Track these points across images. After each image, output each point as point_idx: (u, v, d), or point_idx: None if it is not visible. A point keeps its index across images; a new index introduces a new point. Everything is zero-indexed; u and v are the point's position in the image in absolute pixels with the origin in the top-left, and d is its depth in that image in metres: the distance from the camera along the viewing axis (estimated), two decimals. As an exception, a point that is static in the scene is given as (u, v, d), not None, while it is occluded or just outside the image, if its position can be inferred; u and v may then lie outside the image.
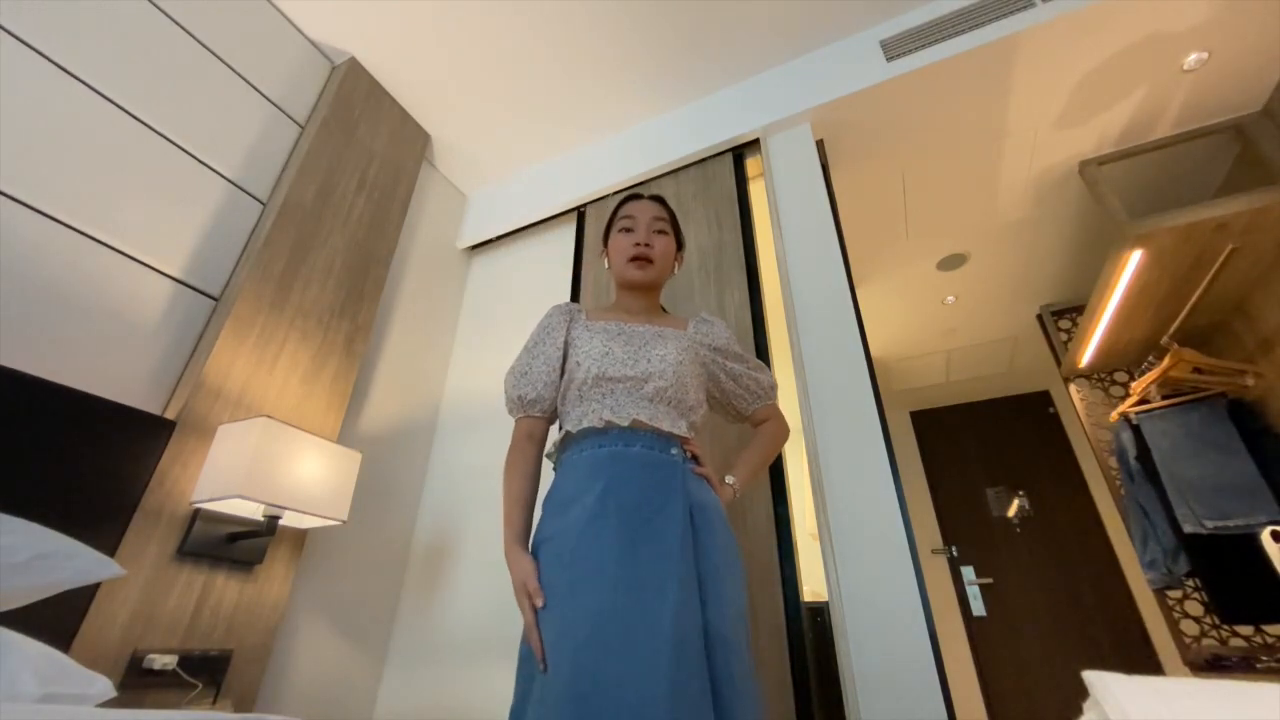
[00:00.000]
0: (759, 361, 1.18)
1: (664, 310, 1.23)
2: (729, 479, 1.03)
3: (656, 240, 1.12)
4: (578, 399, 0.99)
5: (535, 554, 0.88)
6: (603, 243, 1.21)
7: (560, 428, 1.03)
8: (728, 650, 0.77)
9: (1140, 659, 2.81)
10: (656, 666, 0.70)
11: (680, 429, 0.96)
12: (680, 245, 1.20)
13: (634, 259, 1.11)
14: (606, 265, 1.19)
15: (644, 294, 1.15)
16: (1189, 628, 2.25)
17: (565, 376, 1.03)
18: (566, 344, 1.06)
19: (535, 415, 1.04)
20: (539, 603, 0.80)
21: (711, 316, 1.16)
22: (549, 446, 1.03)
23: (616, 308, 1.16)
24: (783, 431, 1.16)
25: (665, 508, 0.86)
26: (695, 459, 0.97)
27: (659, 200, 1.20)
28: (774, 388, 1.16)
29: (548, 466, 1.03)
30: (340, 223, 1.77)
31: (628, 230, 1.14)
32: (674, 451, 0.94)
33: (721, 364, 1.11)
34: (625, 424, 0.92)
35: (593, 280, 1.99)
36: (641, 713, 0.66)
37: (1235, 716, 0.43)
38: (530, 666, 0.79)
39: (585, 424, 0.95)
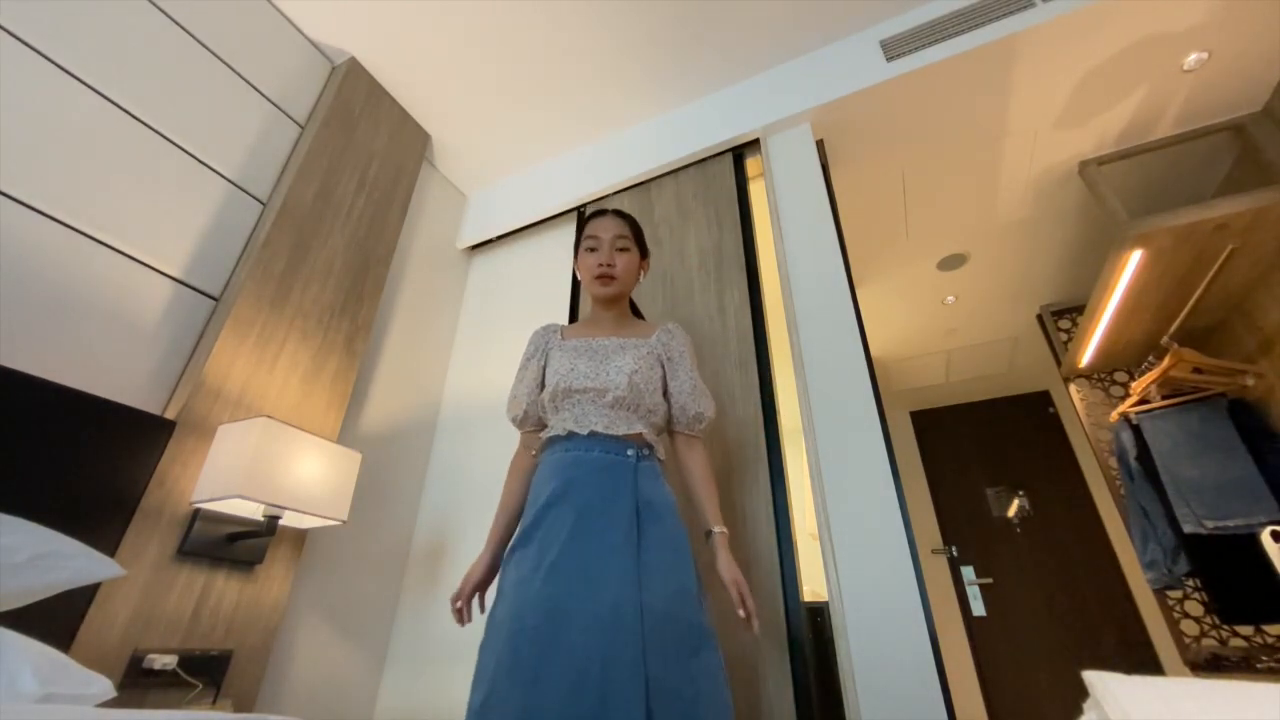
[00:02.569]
0: (703, 387, 1.21)
1: (636, 315, 1.38)
2: (716, 529, 1.08)
3: (619, 258, 1.24)
4: (554, 409, 1.14)
5: (514, 539, 1.04)
6: (575, 256, 1.34)
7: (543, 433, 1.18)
8: (664, 621, 0.89)
9: (1140, 659, 2.81)
10: (596, 639, 0.86)
11: (637, 429, 1.09)
12: (644, 255, 1.32)
13: (598, 277, 1.23)
14: (579, 277, 1.31)
15: (611, 305, 1.28)
16: (1189, 628, 2.25)
17: (544, 391, 1.18)
18: (545, 365, 1.22)
19: (529, 430, 1.24)
20: (456, 606, 1.09)
21: (675, 327, 1.26)
22: (536, 446, 1.19)
23: (590, 321, 1.31)
24: (707, 469, 1.16)
25: (614, 508, 0.99)
26: (648, 447, 1.10)
27: (622, 216, 1.30)
28: (698, 420, 1.18)
29: None
30: (340, 223, 1.77)
31: (592, 249, 1.26)
32: (629, 453, 1.07)
33: (671, 374, 1.20)
34: (584, 433, 1.07)
35: (593, 280, 1.99)
36: (586, 670, 0.83)
37: (1235, 716, 0.43)
38: (487, 654, 0.93)
39: (554, 432, 1.11)
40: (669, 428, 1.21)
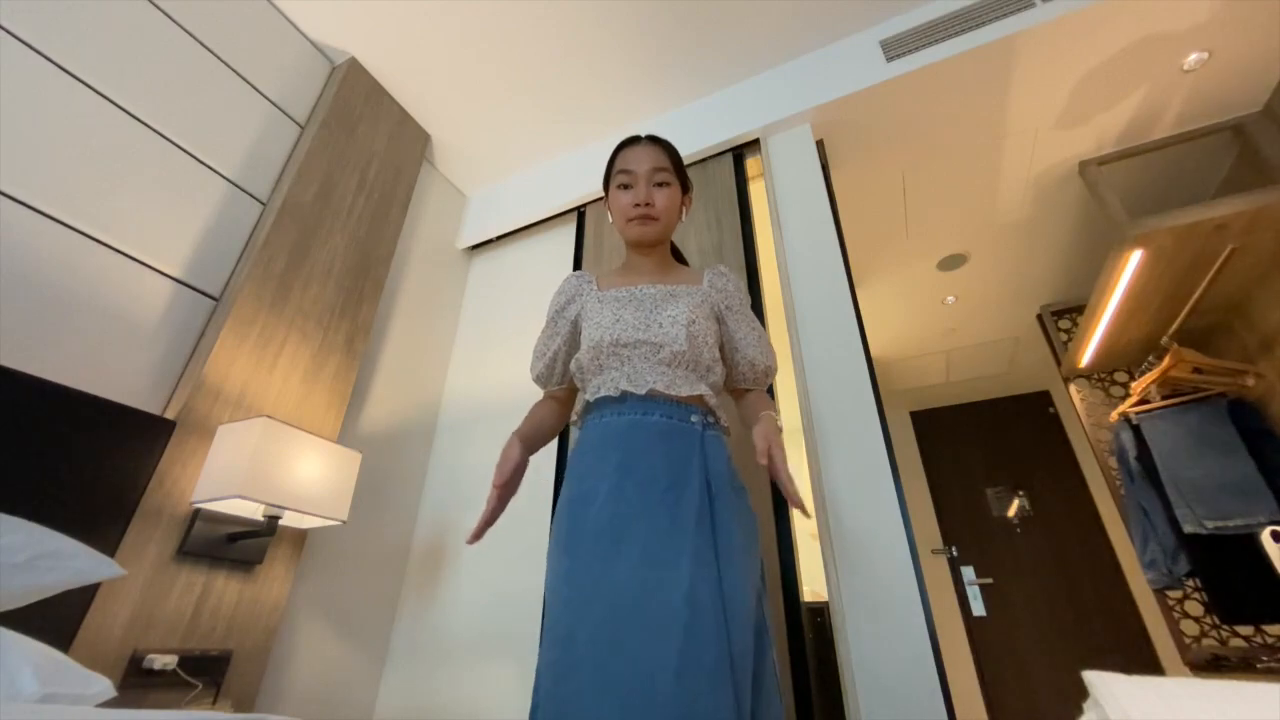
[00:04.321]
0: (767, 336, 1.11)
1: (678, 259, 1.21)
2: (768, 413, 0.96)
3: (658, 195, 1.06)
4: (596, 368, 0.99)
5: (557, 514, 0.93)
6: (604, 190, 1.16)
7: (582, 396, 1.05)
8: (741, 619, 0.78)
9: (1140, 659, 2.81)
10: (668, 638, 0.72)
11: (699, 390, 0.95)
12: (686, 189, 1.14)
13: (635, 219, 1.06)
14: (610, 219, 1.14)
15: (651, 250, 1.12)
16: (1189, 628, 2.25)
17: (582, 348, 1.03)
18: (579, 317, 1.08)
19: (554, 388, 1.13)
20: (497, 483, 0.93)
21: (726, 269, 1.12)
22: (572, 414, 1.09)
23: (626, 269, 1.14)
24: (771, 403, 1.07)
25: (682, 480, 0.86)
26: (712, 414, 0.97)
27: (658, 143, 1.11)
28: (768, 374, 1.08)
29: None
30: (340, 223, 1.77)
31: (625, 186, 1.08)
32: (694, 419, 0.94)
33: (727, 327, 1.07)
34: (642, 393, 0.92)
35: (593, 280, 1.98)
36: (653, 680, 0.69)
37: (1235, 716, 0.43)
38: (550, 642, 0.80)
39: (603, 393, 0.95)
40: (732, 385, 1.09)
